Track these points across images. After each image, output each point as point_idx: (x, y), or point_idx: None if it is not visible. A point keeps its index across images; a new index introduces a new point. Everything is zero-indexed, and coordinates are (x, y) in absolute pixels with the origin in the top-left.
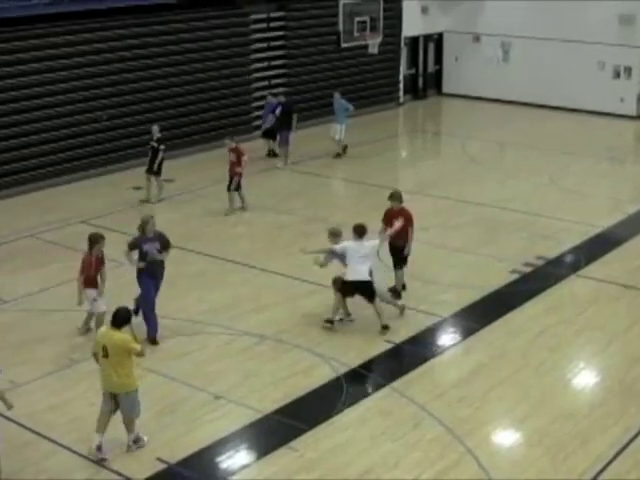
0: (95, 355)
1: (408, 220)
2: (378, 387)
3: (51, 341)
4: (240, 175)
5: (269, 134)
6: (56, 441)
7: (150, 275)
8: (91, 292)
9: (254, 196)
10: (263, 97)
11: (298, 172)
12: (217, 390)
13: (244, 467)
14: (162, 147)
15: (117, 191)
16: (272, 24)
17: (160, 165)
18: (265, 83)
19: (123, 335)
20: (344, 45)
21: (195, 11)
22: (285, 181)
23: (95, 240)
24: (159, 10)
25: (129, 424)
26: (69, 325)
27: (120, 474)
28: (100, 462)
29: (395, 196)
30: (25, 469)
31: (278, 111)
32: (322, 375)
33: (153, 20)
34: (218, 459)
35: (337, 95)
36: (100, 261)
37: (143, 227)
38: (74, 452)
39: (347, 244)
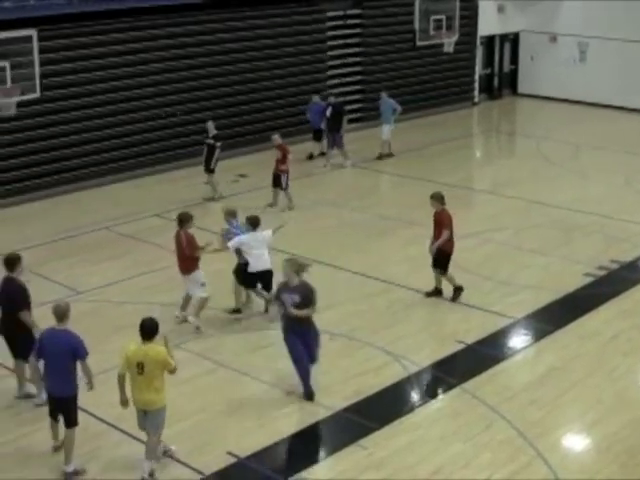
0: (121, 377)
1: (442, 222)
2: (449, 387)
3: (123, 333)
4: (287, 173)
5: (318, 136)
6: (126, 432)
7: (293, 331)
8: (198, 274)
9: (325, 193)
10: (337, 95)
11: (370, 170)
12: (289, 386)
13: (313, 463)
14: (218, 144)
15: (188, 185)
16: (348, 21)
17: (215, 162)
18: (337, 81)
19: (159, 348)
20: (419, 44)
21: (273, 7)
22: (357, 179)
23: (186, 219)
24: (235, 6)
25: (155, 442)
26: (140, 317)
27: (190, 467)
28: None
29: (435, 197)
30: (96, 458)
31: (329, 112)
32: (393, 374)
33: (226, 16)
34: (287, 455)
35: (384, 95)
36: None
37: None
38: (144, 442)
39: (243, 237)
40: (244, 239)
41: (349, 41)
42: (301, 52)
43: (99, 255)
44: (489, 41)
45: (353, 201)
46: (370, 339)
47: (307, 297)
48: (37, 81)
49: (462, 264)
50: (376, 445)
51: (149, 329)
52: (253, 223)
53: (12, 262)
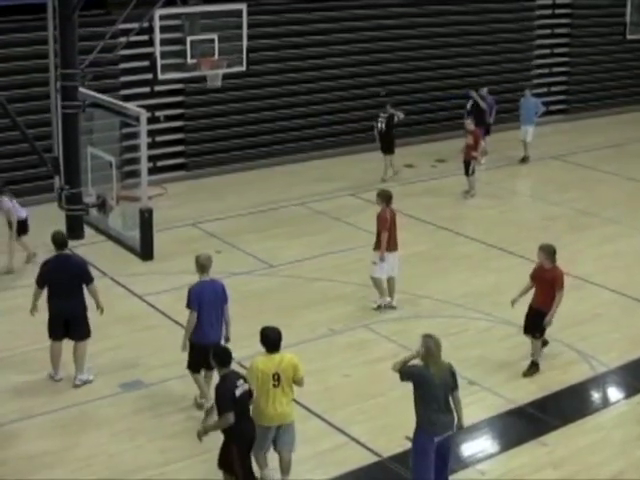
0: (250, 392)
1: (556, 282)
2: (635, 392)
3: (312, 309)
4: (476, 159)
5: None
6: (308, 408)
7: None
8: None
9: (524, 185)
10: (542, 85)
11: (572, 164)
12: (472, 376)
13: (491, 456)
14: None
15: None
16: (557, 11)
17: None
18: (545, 70)
19: (292, 355)
20: (630, 37)
21: None
22: (556, 172)
23: (388, 198)
24: None
25: (289, 463)
26: (331, 294)
27: (367, 447)
28: None
29: (545, 250)
30: None
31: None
32: (580, 372)
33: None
34: (466, 445)
35: (528, 93)
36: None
37: None
38: (324, 420)
39: None
40: None
41: (557, 31)
42: (505, 40)
43: (293, 231)
44: None
45: (551, 194)
46: (558, 335)
47: None
48: (244, 55)
49: None
50: (557, 443)
51: (276, 339)
52: None
53: (63, 242)
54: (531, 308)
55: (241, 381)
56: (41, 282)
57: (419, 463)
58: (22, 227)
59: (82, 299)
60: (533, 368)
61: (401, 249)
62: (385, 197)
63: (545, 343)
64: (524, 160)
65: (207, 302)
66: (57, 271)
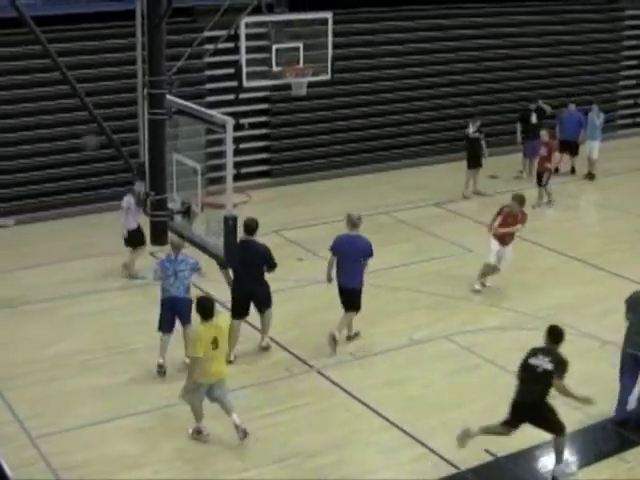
0: (195, 358)
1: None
2: None
3: (394, 318)
4: (550, 171)
5: (574, 149)
6: (387, 417)
7: None
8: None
9: (608, 195)
10: (631, 96)
11: None
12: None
13: (570, 472)
14: (483, 137)
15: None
16: None
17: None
18: (634, 82)
19: (222, 316)
20: None
21: (565, 3)
22: None
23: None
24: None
25: (230, 408)
26: (413, 304)
27: (445, 459)
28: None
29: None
30: (354, 440)
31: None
32: None
33: (512, 10)
34: (544, 458)
35: (595, 107)
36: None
37: None
38: (403, 431)
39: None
40: None
41: None
42: (593, 50)
43: (377, 239)
44: None
45: (638, 207)
46: None
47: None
48: (329, 63)
49: None
50: (639, 459)
51: (209, 308)
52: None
53: (253, 229)
54: None
55: None
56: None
57: None
58: (130, 238)
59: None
60: None
61: (483, 261)
62: (518, 199)
63: None
64: (589, 177)
65: (343, 252)
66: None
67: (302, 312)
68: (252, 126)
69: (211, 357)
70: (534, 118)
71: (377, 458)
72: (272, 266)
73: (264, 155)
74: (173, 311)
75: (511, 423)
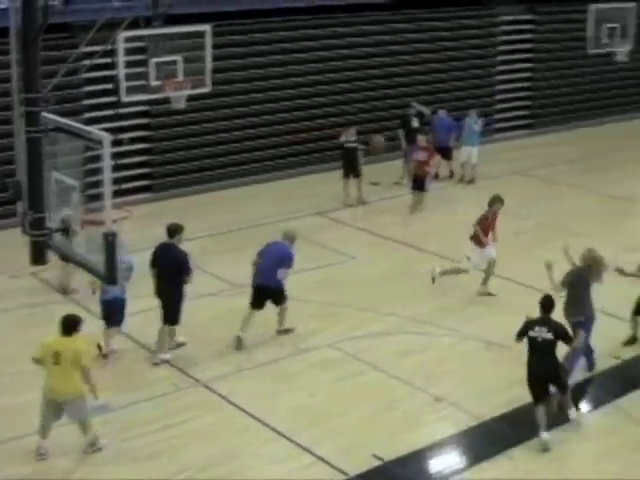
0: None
1: None
2: (602, 404)
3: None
4: (430, 175)
5: (447, 154)
6: (274, 428)
7: None
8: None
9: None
10: (504, 100)
11: (535, 178)
12: (438, 392)
13: (458, 472)
14: (360, 147)
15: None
16: (520, 27)
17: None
18: (509, 86)
19: (83, 340)
20: (591, 51)
21: (438, 11)
22: (522, 187)
23: (493, 200)
24: (396, 8)
25: (86, 429)
26: (297, 313)
27: (334, 466)
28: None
29: None
30: (243, 452)
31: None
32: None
33: (391, 18)
34: (433, 461)
35: (473, 112)
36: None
37: None
38: (291, 440)
39: None
40: None
41: (520, 46)
42: (468, 56)
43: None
44: None
45: (516, 209)
46: (525, 348)
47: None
48: (208, 76)
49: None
50: (523, 457)
51: (67, 325)
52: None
53: (174, 230)
54: None
55: None
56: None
57: None
58: None
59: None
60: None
61: (366, 268)
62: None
63: None
64: (469, 181)
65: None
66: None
67: (186, 326)
68: (132, 141)
69: (50, 371)
70: (415, 122)
71: (267, 469)
72: (186, 273)
73: (145, 170)
74: (109, 311)
75: (538, 396)
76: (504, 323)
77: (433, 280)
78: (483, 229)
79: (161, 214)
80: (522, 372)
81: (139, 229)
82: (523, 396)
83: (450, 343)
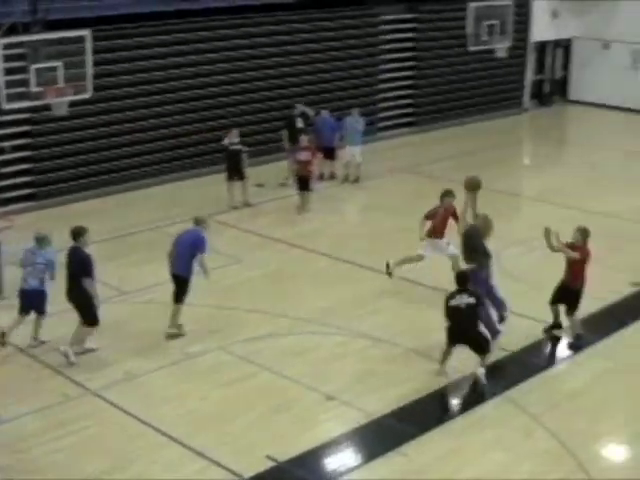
0: None
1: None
2: (492, 395)
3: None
4: (314, 175)
5: (331, 154)
6: (167, 433)
7: None
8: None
9: (379, 198)
10: (386, 99)
11: (420, 175)
12: (329, 391)
13: (353, 469)
14: (245, 149)
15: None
16: (401, 26)
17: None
18: (391, 85)
19: None
20: (471, 49)
21: (321, 11)
22: (407, 184)
23: (445, 194)
24: (282, 9)
25: None
26: (186, 318)
27: (228, 469)
28: None
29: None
30: (137, 459)
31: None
32: (436, 381)
33: (272, 20)
34: (328, 460)
35: (355, 112)
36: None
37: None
38: (184, 445)
39: None
40: None
41: (401, 45)
42: (352, 56)
43: (146, 256)
44: (541, 47)
45: (402, 206)
46: (413, 345)
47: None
48: (89, 81)
49: (509, 271)
50: (416, 452)
51: None
52: None
53: (78, 233)
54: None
55: None
56: None
57: None
58: None
59: None
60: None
61: (254, 270)
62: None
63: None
64: (354, 180)
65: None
66: None
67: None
68: (14, 149)
69: None
70: (299, 123)
71: (163, 475)
72: (87, 275)
73: (28, 178)
74: (25, 302)
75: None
76: (389, 321)
77: (390, 275)
78: (435, 224)
79: (44, 222)
80: (412, 369)
81: (22, 239)
82: (413, 392)
83: (340, 342)
